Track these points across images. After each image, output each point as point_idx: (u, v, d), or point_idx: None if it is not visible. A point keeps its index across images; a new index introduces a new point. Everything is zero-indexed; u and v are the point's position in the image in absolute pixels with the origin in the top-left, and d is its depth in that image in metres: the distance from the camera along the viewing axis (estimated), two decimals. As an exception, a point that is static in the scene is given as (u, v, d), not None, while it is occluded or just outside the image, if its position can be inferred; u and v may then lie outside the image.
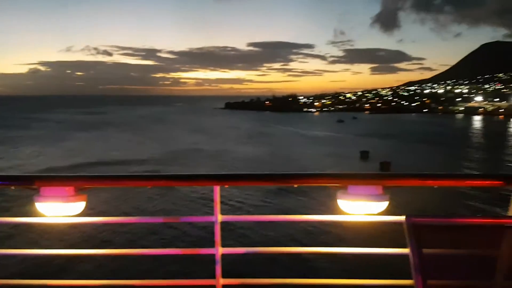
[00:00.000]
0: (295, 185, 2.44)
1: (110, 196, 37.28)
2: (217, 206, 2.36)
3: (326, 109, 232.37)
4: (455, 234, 2.12)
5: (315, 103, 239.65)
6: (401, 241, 2.10)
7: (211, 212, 2.37)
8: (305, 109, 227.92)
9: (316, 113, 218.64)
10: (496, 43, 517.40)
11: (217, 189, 2.34)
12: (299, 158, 68.05)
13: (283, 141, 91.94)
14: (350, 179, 2.31)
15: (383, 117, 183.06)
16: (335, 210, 2.46)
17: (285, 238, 27.91)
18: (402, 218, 2.09)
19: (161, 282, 2.63)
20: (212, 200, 2.35)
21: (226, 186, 2.42)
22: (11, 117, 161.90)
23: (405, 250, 2.06)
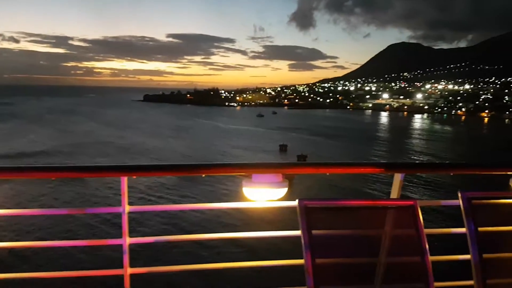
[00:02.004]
0: (203, 175, 2.53)
1: (13, 188, 35.66)
2: (125, 197, 2.35)
3: (247, 103, 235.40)
4: (342, 215, 2.29)
5: (237, 98, 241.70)
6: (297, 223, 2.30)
7: (118, 203, 2.36)
8: (226, 103, 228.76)
9: (238, 108, 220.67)
10: (402, 44, 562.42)
11: (124, 180, 2.33)
12: (218, 151, 68.62)
13: (203, 135, 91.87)
14: (254, 168, 2.44)
15: (301, 112, 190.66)
16: (240, 198, 2.60)
17: (193, 226, 28.70)
18: (296, 202, 2.23)
19: (69, 273, 2.58)
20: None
21: (134, 177, 2.42)
22: None
23: (298, 232, 2.19)
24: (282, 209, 2.51)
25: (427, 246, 2.22)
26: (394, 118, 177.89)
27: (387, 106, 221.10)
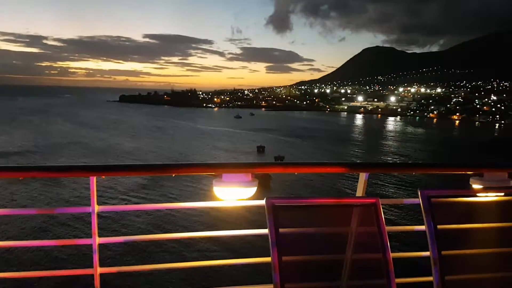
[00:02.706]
0: (173, 175, 2.56)
1: None
2: (94, 197, 2.35)
3: (225, 105, 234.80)
4: (309, 213, 2.35)
5: (215, 99, 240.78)
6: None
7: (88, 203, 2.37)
8: (204, 105, 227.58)
9: (215, 109, 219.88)
10: (376, 48, 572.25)
11: (93, 180, 2.33)
12: (195, 153, 68.20)
13: (180, 136, 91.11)
14: (224, 168, 2.48)
15: (278, 114, 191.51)
16: (211, 197, 2.63)
17: (163, 225, 28.64)
18: (264, 201, 2.25)
19: (39, 273, 2.55)
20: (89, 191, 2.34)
21: (103, 177, 2.43)
22: None
23: (266, 230, 2.21)
24: (253, 207, 2.56)
25: (388, 243, 2.29)
26: (368, 120, 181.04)
27: (362, 108, 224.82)
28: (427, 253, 2.39)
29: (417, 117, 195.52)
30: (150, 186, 40.58)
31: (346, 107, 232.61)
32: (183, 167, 2.54)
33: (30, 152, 62.35)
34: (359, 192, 2.69)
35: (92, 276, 2.37)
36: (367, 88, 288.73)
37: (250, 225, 2.74)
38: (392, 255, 2.28)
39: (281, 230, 2.21)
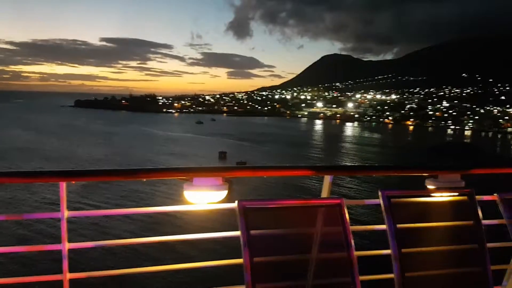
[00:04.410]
0: (144, 179, 2.57)
1: None
2: (63, 202, 2.32)
3: (185, 110, 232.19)
4: (278, 215, 2.44)
5: (175, 104, 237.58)
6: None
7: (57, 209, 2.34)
8: (164, 110, 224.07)
9: (176, 114, 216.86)
10: (334, 56, 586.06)
11: (63, 185, 2.31)
12: (155, 159, 66.94)
13: (138, 142, 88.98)
14: (195, 172, 2.51)
15: (239, 120, 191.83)
16: (181, 201, 2.66)
17: (134, 230, 28.33)
18: (236, 204, 2.33)
19: (6, 280, 2.48)
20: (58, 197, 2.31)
21: (73, 182, 2.41)
22: None
23: (237, 232, 2.28)
24: (223, 211, 2.61)
25: (352, 242, 2.40)
26: (327, 125, 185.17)
27: (321, 114, 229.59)
28: (388, 251, 2.52)
29: (374, 123, 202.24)
30: (119, 191, 39.75)
31: (306, 113, 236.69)
32: (153, 171, 2.56)
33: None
34: (324, 193, 2.79)
35: (61, 282, 2.35)
36: (326, 94, 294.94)
37: (221, 228, 2.79)
38: (355, 253, 2.39)
39: (252, 231, 2.28)
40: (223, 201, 2.55)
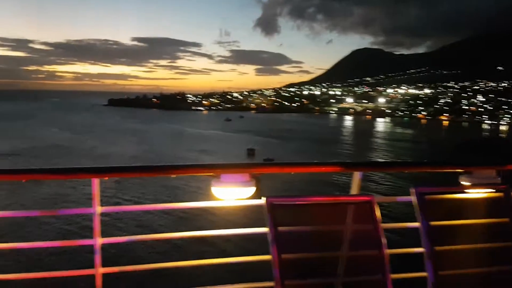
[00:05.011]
0: (173, 176, 2.61)
1: None
2: (96, 198, 2.38)
3: (214, 108, 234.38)
4: (306, 212, 2.42)
5: (204, 102, 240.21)
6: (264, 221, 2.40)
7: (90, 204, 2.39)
8: (193, 108, 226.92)
9: (205, 112, 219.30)
10: (365, 50, 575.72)
11: (95, 181, 2.36)
12: (184, 156, 67.96)
13: (168, 139, 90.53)
14: (222, 168, 2.53)
15: (267, 116, 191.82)
16: (210, 197, 2.66)
17: (164, 225, 28.95)
18: (263, 200, 2.33)
19: (41, 274, 2.58)
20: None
21: (106, 178, 2.46)
22: None
23: (265, 229, 2.29)
24: (250, 207, 2.62)
25: (383, 240, 2.36)
26: (357, 121, 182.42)
27: (351, 110, 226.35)
28: (420, 249, 2.47)
29: (406, 118, 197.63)
30: (151, 187, 40.63)
31: (335, 109, 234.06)
32: (182, 168, 2.60)
33: (14, 156, 62.09)
34: (354, 190, 2.76)
35: (93, 276, 2.41)
36: (356, 89, 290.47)
37: (249, 224, 2.80)
38: (387, 251, 2.35)
39: (280, 228, 2.28)
40: (251, 197, 2.55)
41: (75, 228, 27.13)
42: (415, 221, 2.53)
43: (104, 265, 2.41)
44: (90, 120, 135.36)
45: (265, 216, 2.32)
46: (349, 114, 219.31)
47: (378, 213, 2.42)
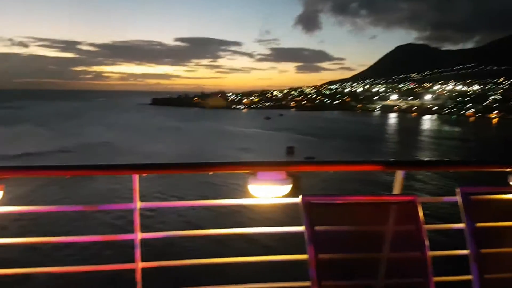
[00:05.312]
0: (210, 173, 2.64)
1: (29, 186, 36.79)
2: (136, 194, 2.45)
3: (254, 106, 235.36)
4: (344, 211, 2.37)
5: (243, 100, 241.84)
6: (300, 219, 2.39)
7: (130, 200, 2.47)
8: (233, 106, 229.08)
9: (244, 110, 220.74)
10: (409, 45, 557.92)
11: (135, 177, 2.43)
12: (224, 154, 68.61)
13: (209, 137, 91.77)
14: (259, 166, 2.53)
15: (308, 114, 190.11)
16: (246, 194, 2.67)
17: (202, 221, 29.19)
18: (300, 199, 2.31)
19: (83, 268, 2.69)
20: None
21: (144, 174, 2.52)
22: None
23: (301, 228, 2.27)
24: (286, 205, 2.60)
25: (426, 241, 2.28)
26: (402, 119, 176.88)
27: (396, 107, 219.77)
28: (465, 251, 2.37)
29: (453, 116, 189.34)
30: (187, 184, 41.83)
31: (378, 106, 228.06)
32: (219, 165, 2.62)
33: (63, 153, 65.36)
34: (396, 190, 2.68)
35: (133, 270, 2.47)
36: (401, 86, 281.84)
37: (285, 223, 2.78)
38: (430, 253, 2.27)
39: (316, 227, 2.25)
40: (287, 195, 2.53)
41: (116, 222, 27.97)
42: (460, 222, 2.42)
43: (143, 259, 2.48)
44: (135, 119, 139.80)
45: (301, 214, 2.29)
46: (393, 111, 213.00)
47: (421, 213, 2.33)
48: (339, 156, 68.59)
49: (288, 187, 2.53)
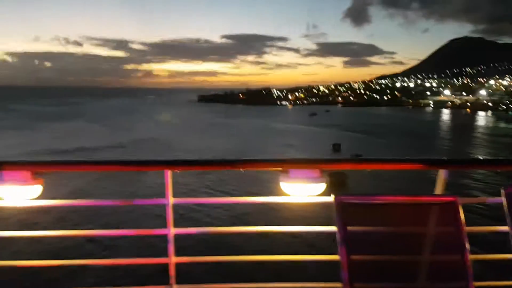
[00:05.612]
0: (242, 170, 2.63)
1: (67, 181, 37.91)
2: (169, 190, 2.49)
3: (299, 102, 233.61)
4: (379, 211, 2.27)
5: (289, 96, 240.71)
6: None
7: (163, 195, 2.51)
8: (278, 102, 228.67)
9: (290, 106, 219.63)
10: (464, 39, 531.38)
11: (168, 173, 2.46)
12: (268, 151, 68.60)
13: (253, 134, 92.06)
14: (291, 163, 2.50)
15: (356, 110, 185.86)
16: (277, 192, 2.64)
17: (234, 218, 29.28)
18: (332, 198, 2.24)
19: (117, 261, 2.79)
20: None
21: (177, 171, 2.55)
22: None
23: (334, 228, 2.21)
24: (319, 204, 2.54)
25: (467, 245, 2.16)
26: (456, 115, 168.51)
27: (449, 103, 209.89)
28: (509, 256, 2.27)
29: (510, 112, 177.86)
30: (219, 180, 42.39)
31: (431, 102, 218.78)
32: (251, 162, 2.60)
33: (115, 147, 68.28)
34: (438, 190, 2.54)
35: (167, 265, 2.53)
36: (455, 81, 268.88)
37: (317, 222, 2.72)
38: (471, 257, 2.16)
39: (349, 228, 2.19)
40: (321, 194, 2.47)
41: (149, 217, 28.62)
42: (505, 224, 2.27)
43: (176, 254, 2.52)
44: (183, 115, 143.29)
45: (333, 214, 2.22)
46: (446, 107, 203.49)
47: (462, 215, 2.19)
48: (390, 154, 66.55)
49: (321, 186, 2.47)
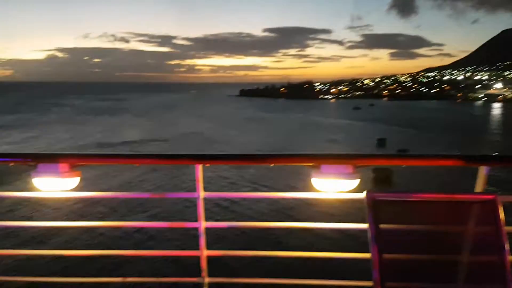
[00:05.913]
0: (272, 165, 2.59)
1: (103, 173, 39.67)
2: (200, 184, 2.51)
3: (342, 96, 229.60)
4: (413, 209, 2.21)
5: (332, 90, 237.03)
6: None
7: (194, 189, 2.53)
8: (320, 96, 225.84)
9: (332, 100, 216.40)
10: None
11: (199, 167, 2.48)
12: (308, 146, 67.70)
13: (294, 129, 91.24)
14: (323, 159, 2.40)
15: (402, 104, 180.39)
16: (309, 188, 2.59)
17: (263, 214, 29.26)
18: (364, 194, 2.20)
19: (150, 252, 2.87)
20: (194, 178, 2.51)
21: (207, 165, 2.54)
22: (29, 102, 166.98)
23: (365, 225, 2.16)
24: (350, 200, 2.47)
25: (507, 245, 2.11)
26: (508, 109, 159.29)
27: (500, 96, 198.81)
28: None
29: None
30: (249, 175, 42.52)
31: (481, 96, 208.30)
32: (281, 157, 2.55)
33: (159, 141, 69.83)
34: (478, 187, 2.38)
35: (198, 257, 2.56)
36: (507, 73, 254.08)
37: (349, 219, 2.66)
38: (510, 257, 2.11)
39: (382, 226, 2.16)
40: (353, 191, 2.41)
41: (180, 211, 28.80)
42: None
43: (208, 247, 2.55)
44: (225, 110, 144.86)
45: (365, 211, 2.16)
46: (497, 101, 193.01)
47: (502, 214, 2.13)
48: (437, 149, 63.81)
49: (353, 182, 2.37)
